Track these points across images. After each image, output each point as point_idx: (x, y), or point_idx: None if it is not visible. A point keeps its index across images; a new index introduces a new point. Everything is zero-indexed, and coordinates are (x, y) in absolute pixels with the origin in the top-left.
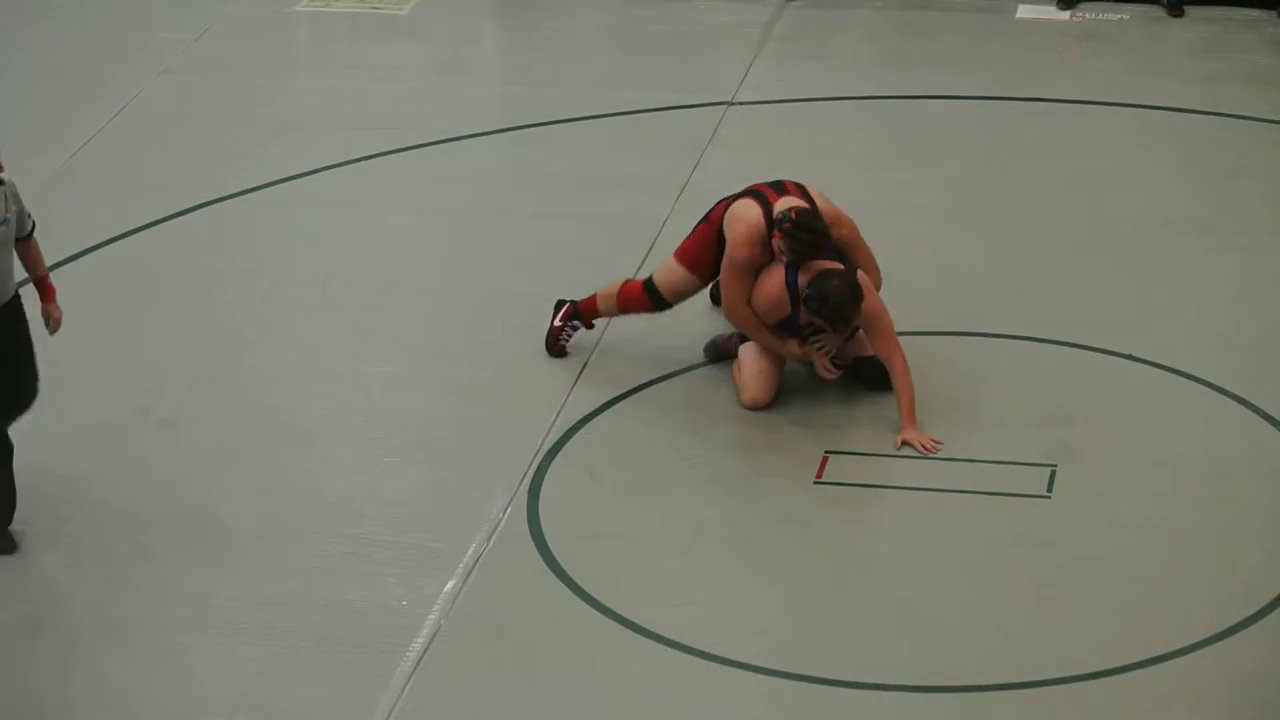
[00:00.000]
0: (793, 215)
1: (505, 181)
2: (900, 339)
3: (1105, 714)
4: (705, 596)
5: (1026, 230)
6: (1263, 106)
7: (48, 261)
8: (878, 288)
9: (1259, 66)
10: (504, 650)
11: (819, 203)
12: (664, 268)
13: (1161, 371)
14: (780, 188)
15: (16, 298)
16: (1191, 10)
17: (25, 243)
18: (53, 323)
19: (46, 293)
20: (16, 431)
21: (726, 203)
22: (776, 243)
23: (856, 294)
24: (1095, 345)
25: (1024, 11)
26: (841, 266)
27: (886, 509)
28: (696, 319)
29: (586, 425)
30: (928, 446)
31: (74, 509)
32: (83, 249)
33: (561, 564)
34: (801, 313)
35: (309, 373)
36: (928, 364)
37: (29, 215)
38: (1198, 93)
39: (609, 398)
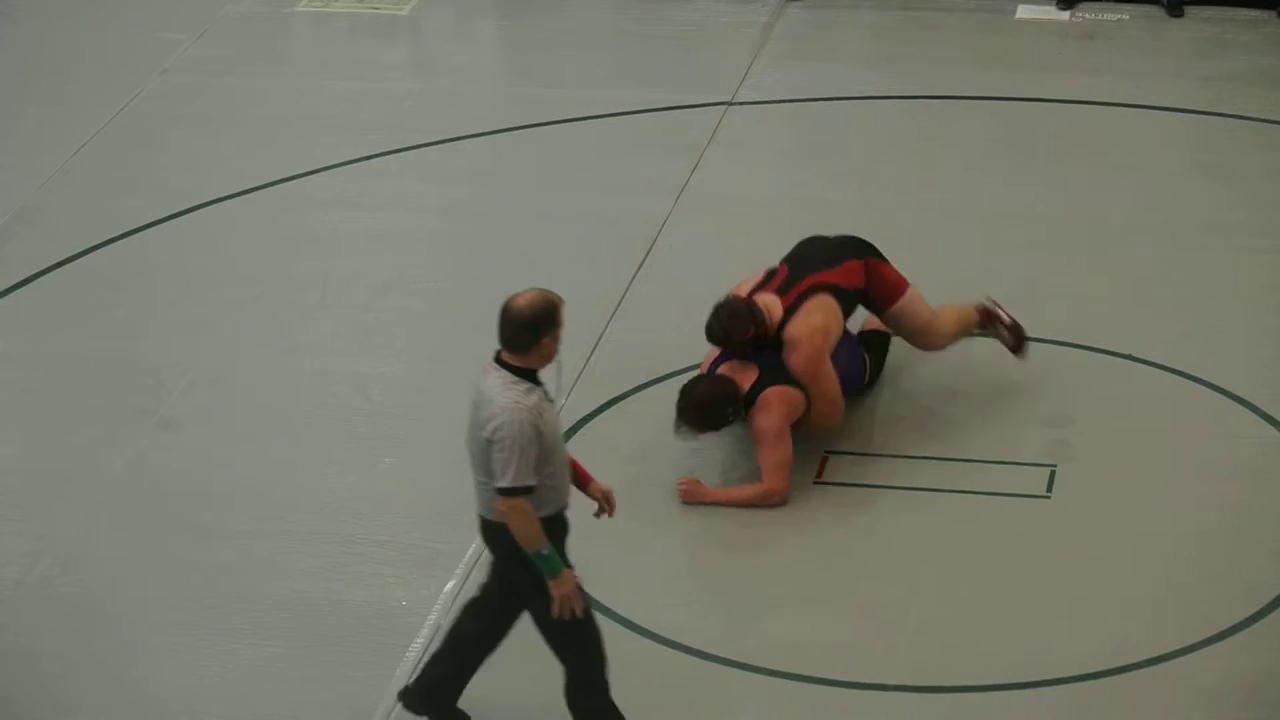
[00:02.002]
0: (723, 300)
1: (505, 181)
2: (900, 339)
3: (1105, 714)
4: (705, 597)
5: (1026, 230)
6: (1263, 106)
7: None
8: (831, 423)
9: (1259, 66)
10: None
11: (796, 317)
12: None
13: (1161, 371)
14: (788, 287)
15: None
16: (1191, 10)
17: None
18: (609, 502)
19: (581, 476)
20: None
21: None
22: None
23: (701, 411)
24: (1095, 345)
25: (1024, 11)
26: (730, 379)
27: (886, 509)
28: (694, 319)
29: (586, 425)
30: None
31: (74, 509)
32: (83, 249)
33: None
34: None
35: (309, 373)
36: (928, 364)
37: None
38: (1198, 93)
39: (609, 398)
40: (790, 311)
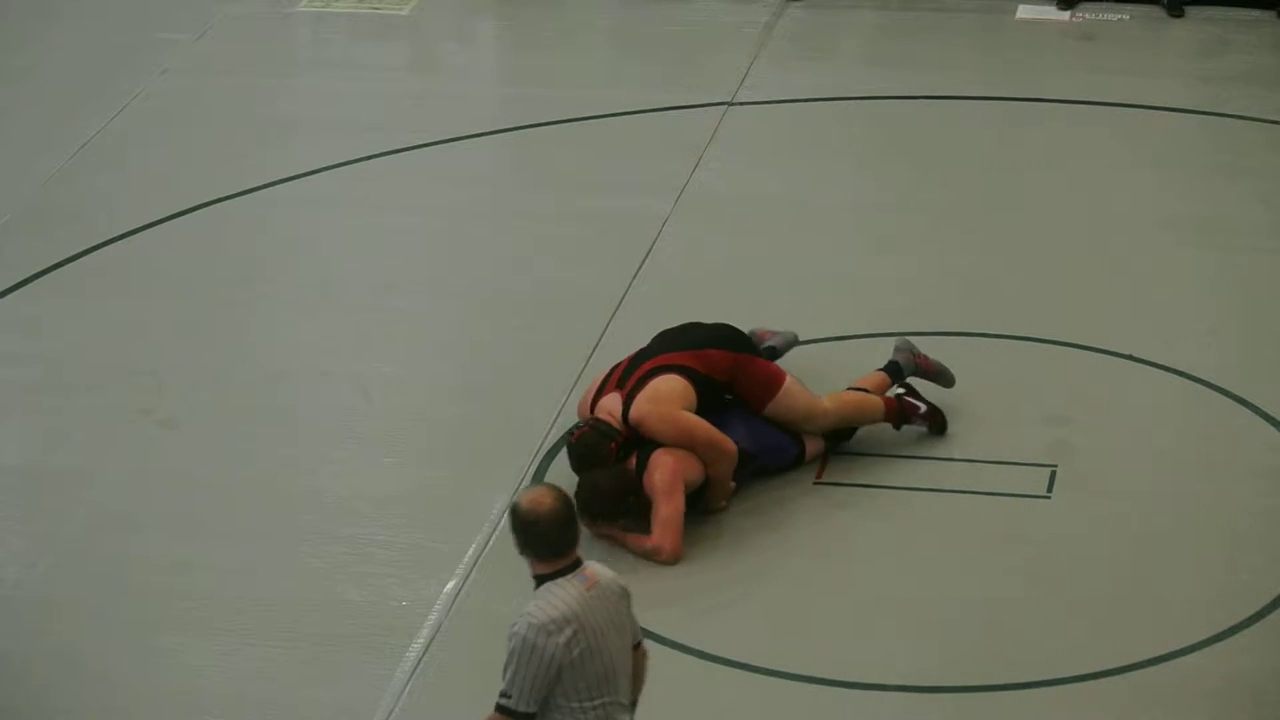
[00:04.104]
0: (573, 438)
1: (505, 181)
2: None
3: (1106, 714)
4: (705, 596)
5: (1026, 230)
6: (1262, 106)
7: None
8: (723, 465)
9: (1259, 66)
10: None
11: (634, 401)
12: None
13: (1161, 371)
14: (626, 378)
15: None
16: (1191, 10)
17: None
18: None
19: None
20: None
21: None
22: None
23: (600, 500)
24: (1095, 345)
25: (1024, 11)
26: (627, 470)
27: (886, 509)
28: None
29: None
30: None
31: (74, 509)
32: (83, 249)
33: None
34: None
35: (309, 373)
36: None
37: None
38: (1197, 93)
39: None
40: (629, 400)
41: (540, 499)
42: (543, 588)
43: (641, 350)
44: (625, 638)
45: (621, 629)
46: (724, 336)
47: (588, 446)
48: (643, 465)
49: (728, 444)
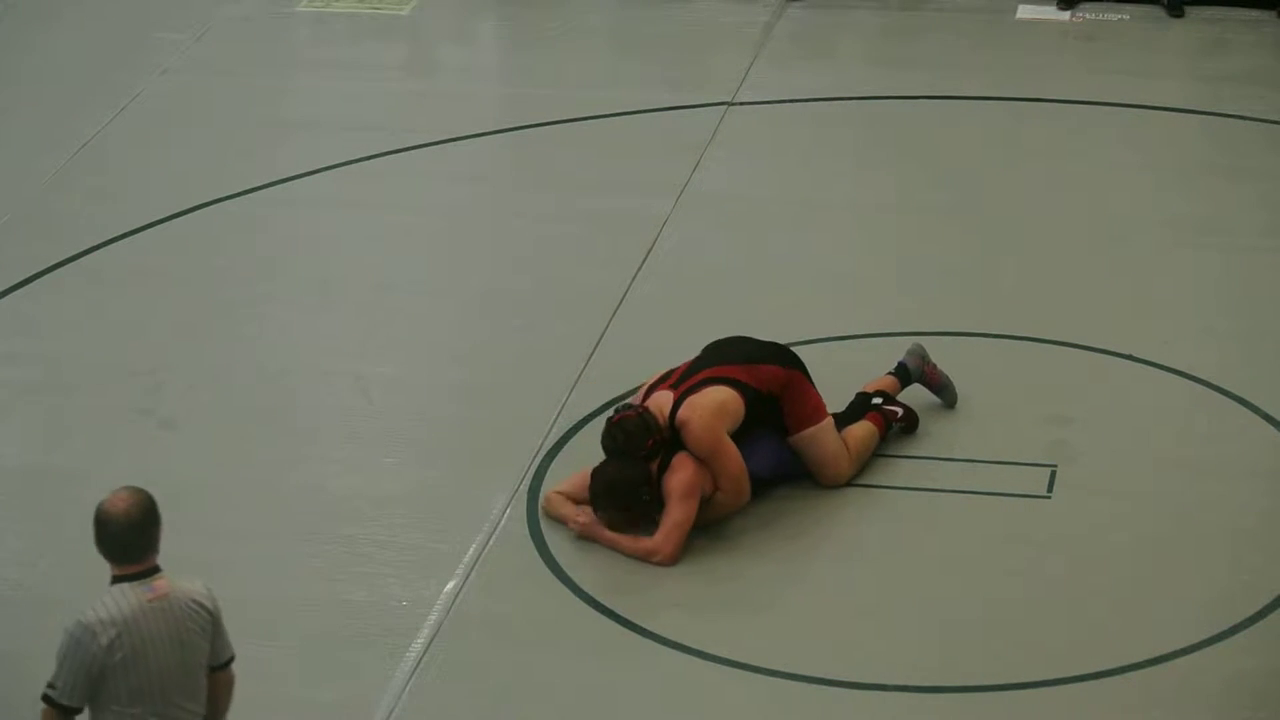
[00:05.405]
0: (615, 419)
1: (505, 181)
2: (900, 339)
3: (1104, 714)
4: (704, 596)
5: (1026, 230)
6: (1262, 106)
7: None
8: (734, 506)
9: (1259, 67)
10: (504, 650)
11: (684, 402)
12: None
13: (1161, 371)
14: (682, 380)
15: None
16: (1191, 10)
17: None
18: None
19: None
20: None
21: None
22: None
23: (608, 490)
24: (1095, 345)
25: (1024, 11)
26: (640, 464)
27: (886, 509)
28: (694, 320)
29: (586, 425)
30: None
31: (74, 509)
32: (83, 249)
33: (561, 564)
34: None
35: (309, 373)
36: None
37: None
38: (1197, 93)
39: (609, 398)
40: (680, 401)
41: (115, 501)
42: (107, 590)
43: (697, 358)
44: (190, 654)
45: (187, 645)
46: (777, 352)
47: (626, 433)
48: (665, 465)
49: (746, 489)
